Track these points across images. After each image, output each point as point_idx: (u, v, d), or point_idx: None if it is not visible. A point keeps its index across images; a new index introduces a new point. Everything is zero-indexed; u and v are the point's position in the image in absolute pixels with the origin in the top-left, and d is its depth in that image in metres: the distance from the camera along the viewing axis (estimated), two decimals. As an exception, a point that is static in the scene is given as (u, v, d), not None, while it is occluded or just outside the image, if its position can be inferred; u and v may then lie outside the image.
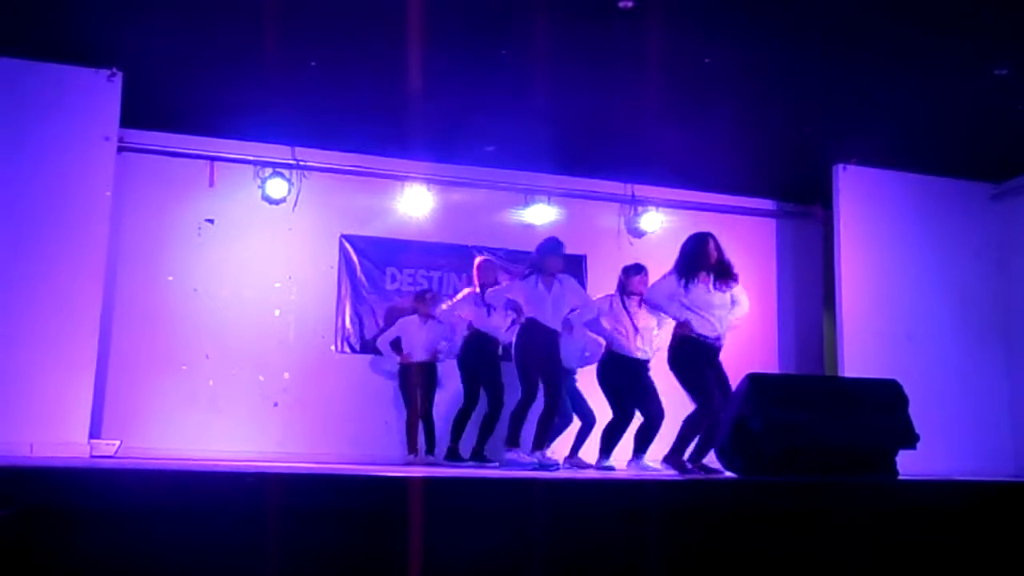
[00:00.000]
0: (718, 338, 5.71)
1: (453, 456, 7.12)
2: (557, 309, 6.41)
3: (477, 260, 7.41)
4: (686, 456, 5.79)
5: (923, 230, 8.32)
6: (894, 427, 4.26)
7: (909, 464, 4.88)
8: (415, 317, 7.52)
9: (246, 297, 7.56)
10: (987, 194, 8.53)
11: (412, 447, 7.32)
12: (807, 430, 4.12)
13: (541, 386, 6.36)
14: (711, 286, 5.73)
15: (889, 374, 5.18)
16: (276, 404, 7.40)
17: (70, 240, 6.48)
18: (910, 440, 4.27)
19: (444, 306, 7.44)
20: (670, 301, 5.76)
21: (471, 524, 3.11)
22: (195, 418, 7.37)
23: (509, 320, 6.78)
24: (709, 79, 6.62)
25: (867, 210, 8.27)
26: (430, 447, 7.39)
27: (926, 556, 3.76)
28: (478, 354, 7.11)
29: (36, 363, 6.25)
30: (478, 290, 7.15)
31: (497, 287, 6.93)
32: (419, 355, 7.43)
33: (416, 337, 7.48)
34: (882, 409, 4.29)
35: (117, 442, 6.92)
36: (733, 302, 5.94)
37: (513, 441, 6.33)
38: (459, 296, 7.43)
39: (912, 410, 4.58)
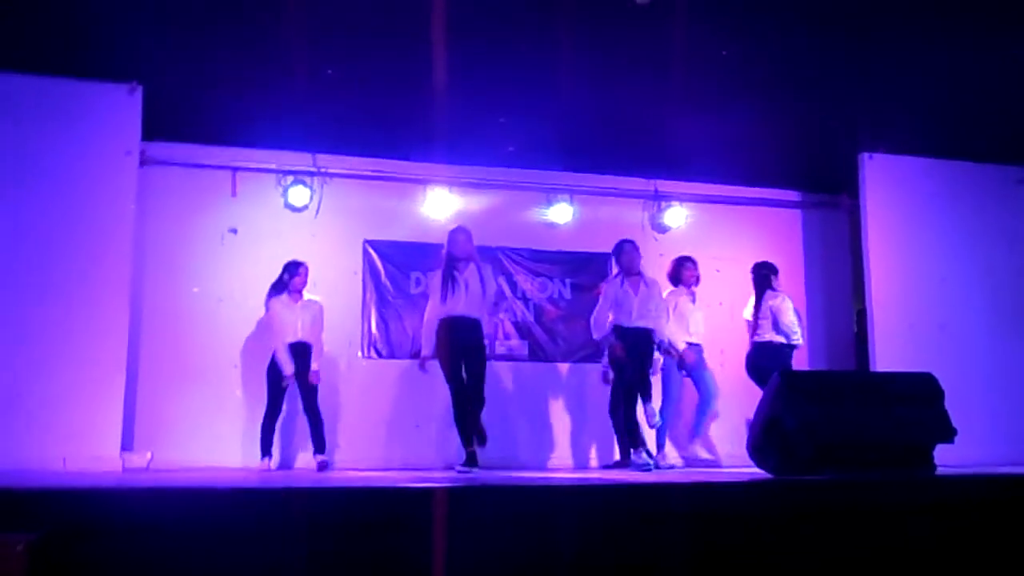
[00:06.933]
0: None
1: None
2: None
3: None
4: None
5: (952, 217, 8.18)
6: (931, 421, 4.19)
7: (943, 455, 4.79)
8: (284, 296, 7.09)
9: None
10: (1017, 178, 8.37)
11: (267, 448, 6.92)
12: (841, 426, 4.06)
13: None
14: None
15: (921, 365, 5.11)
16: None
17: (96, 254, 6.51)
18: (947, 434, 4.19)
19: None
20: None
21: (495, 531, 3.08)
22: (224, 428, 7.38)
23: None
24: (730, 71, 6.54)
25: (894, 198, 8.15)
26: (320, 445, 6.96)
27: (966, 550, 3.69)
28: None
29: (67, 377, 6.29)
30: None
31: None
32: (293, 338, 7.02)
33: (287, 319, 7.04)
34: (918, 403, 4.22)
35: (148, 454, 6.95)
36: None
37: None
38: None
39: (946, 400, 4.49)
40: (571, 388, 8.16)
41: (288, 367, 6.92)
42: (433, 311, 6.37)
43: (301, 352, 7.01)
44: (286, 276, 7.08)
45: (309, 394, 7.00)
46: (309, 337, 7.05)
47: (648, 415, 6.52)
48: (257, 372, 7.57)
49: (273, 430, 7.03)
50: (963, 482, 4.02)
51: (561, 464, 7.98)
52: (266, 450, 6.97)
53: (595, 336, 6.94)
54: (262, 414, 7.05)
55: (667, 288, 7.43)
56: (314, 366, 7.02)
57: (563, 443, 8.12)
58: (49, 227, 6.44)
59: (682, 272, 7.52)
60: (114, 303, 6.53)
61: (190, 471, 6.58)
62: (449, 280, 6.30)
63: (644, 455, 6.44)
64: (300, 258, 7.20)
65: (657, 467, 6.59)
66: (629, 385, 6.60)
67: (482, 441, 6.15)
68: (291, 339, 7.00)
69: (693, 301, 7.48)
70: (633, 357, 6.58)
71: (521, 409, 8.07)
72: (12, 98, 6.45)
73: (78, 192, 6.53)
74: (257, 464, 6.96)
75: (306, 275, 7.12)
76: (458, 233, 6.51)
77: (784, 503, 3.67)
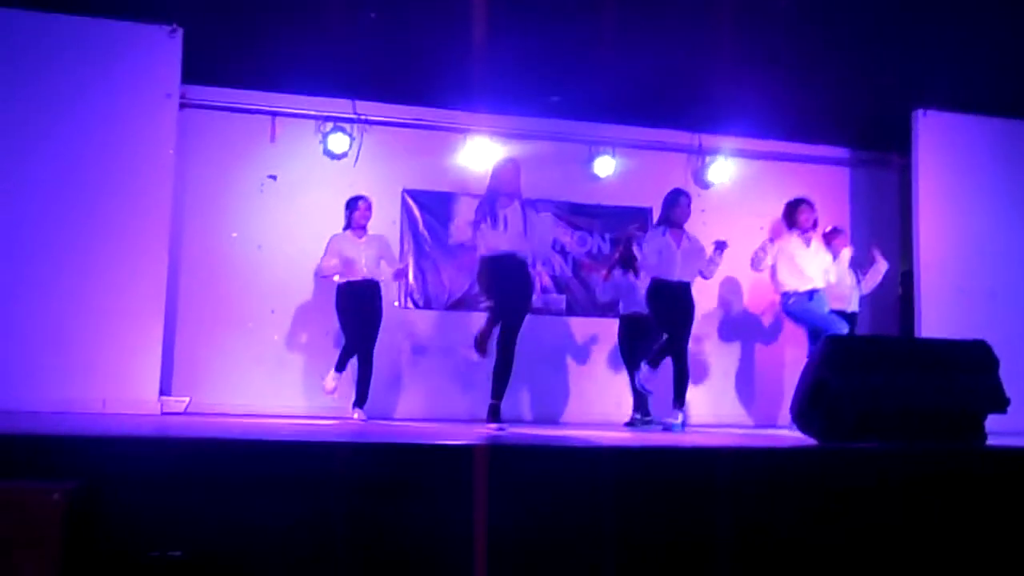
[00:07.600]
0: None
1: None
2: None
3: None
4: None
5: (1008, 179, 7.93)
6: (983, 390, 4.06)
7: (990, 423, 4.66)
8: (348, 233, 6.83)
9: (309, 253, 7.49)
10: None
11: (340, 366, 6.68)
12: (890, 393, 3.95)
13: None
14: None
15: (968, 331, 4.96)
16: (341, 359, 7.38)
17: (135, 198, 6.51)
18: (1000, 404, 4.06)
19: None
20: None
21: (536, 492, 3.04)
22: (262, 374, 7.43)
23: None
24: (781, 23, 6.34)
25: (948, 158, 7.92)
26: (361, 398, 6.63)
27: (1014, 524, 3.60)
28: None
29: (106, 321, 6.33)
30: None
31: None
32: (357, 276, 6.72)
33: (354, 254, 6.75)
34: (970, 371, 4.09)
35: (186, 399, 7.00)
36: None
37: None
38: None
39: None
40: (609, 343, 8.07)
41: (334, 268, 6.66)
42: (459, 234, 5.81)
43: (367, 290, 6.71)
44: (347, 212, 6.89)
45: (368, 339, 6.69)
46: (375, 274, 6.77)
47: (645, 379, 6.30)
48: (296, 318, 7.60)
49: (351, 357, 6.71)
50: (1012, 454, 3.91)
51: (598, 419, 7.94)
52: (340, 367, 6.70)
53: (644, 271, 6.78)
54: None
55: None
56: (399, 264, 6.94)
57: (600, 398, 8.07)
58: (88, 169, 6.43)
59: (797, 215, 7.00)
60: (153, 247, 6.53)
61: (227, 416, 6.62)
62: (488, 214, 5.70)
63: (680, 416, 6.35)
64: (338, 205, 7.10)
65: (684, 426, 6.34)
66: (673, 341, 6.42)
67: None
68: (355, 277, 6.69)
69: (807, 245, 6.95)
70: (676, 313, 6.44)
71: (558, 364, 8.04)
72: (52, 38, 6.41)
73: (117, 134, 6.51)
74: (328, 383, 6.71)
75: (368, 209, 6.87)
76: (506, 163, 5.97)
77: (828, 470, 3.59)
